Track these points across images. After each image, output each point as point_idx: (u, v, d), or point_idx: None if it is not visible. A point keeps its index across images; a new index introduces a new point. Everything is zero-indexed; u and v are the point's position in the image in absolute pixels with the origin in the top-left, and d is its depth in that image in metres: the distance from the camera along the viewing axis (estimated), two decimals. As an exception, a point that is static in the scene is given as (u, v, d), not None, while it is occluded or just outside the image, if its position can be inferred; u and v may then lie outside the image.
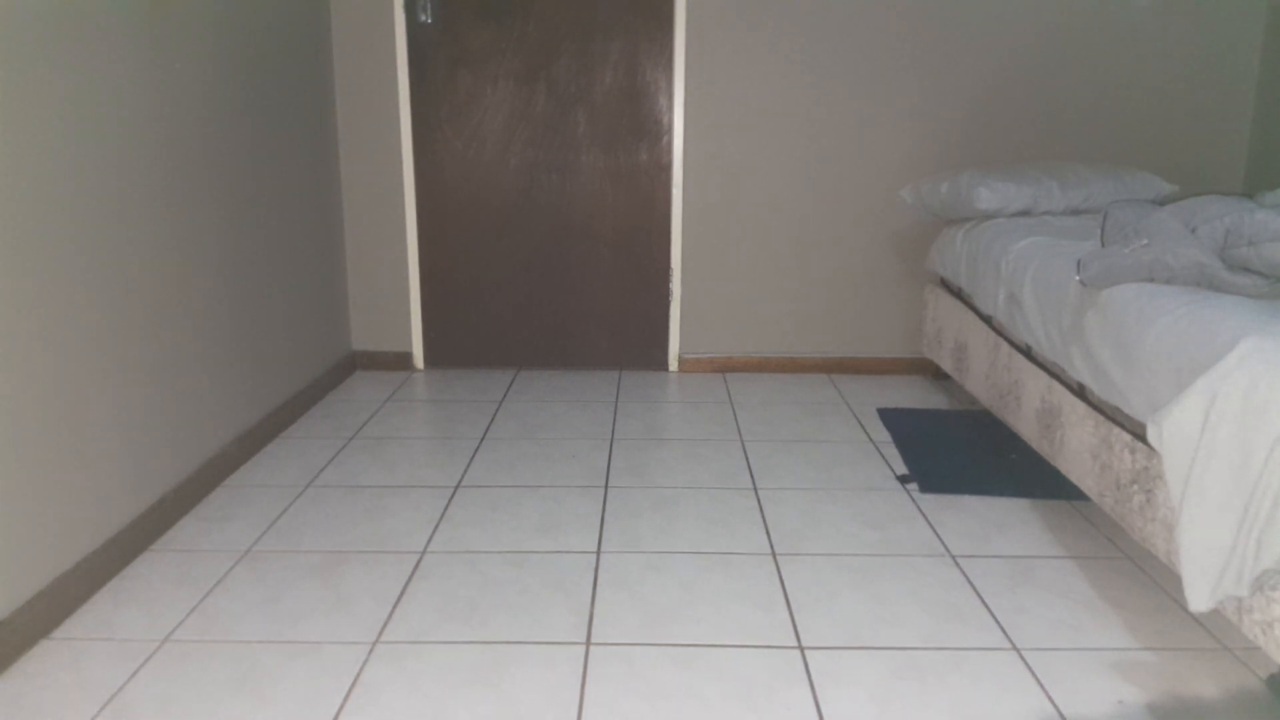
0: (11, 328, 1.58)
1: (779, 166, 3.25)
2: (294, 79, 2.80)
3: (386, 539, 2.03)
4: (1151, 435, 1.50)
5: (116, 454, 1.90)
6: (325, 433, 2.70)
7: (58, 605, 1.68)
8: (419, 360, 3.42)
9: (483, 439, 2.67)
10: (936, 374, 3.37)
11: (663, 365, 3.43)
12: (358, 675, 1.53)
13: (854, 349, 3.41)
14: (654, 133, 3.22)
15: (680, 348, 3.41)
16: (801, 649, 1.62)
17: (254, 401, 2.54)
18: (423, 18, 3.13)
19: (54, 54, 1.70)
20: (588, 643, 1.63)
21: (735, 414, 2.92)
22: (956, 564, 1.93)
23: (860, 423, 2.84)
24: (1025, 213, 2.70)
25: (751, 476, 2.40)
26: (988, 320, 2.60)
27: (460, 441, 2.64)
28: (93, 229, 1.81)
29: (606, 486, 2.33)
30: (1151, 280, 1.78)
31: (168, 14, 2.08)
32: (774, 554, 1.97)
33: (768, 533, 2.07)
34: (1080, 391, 1.99)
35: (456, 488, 2.31)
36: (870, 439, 2.69)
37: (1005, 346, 2.41)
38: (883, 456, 2.55)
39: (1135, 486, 1.71)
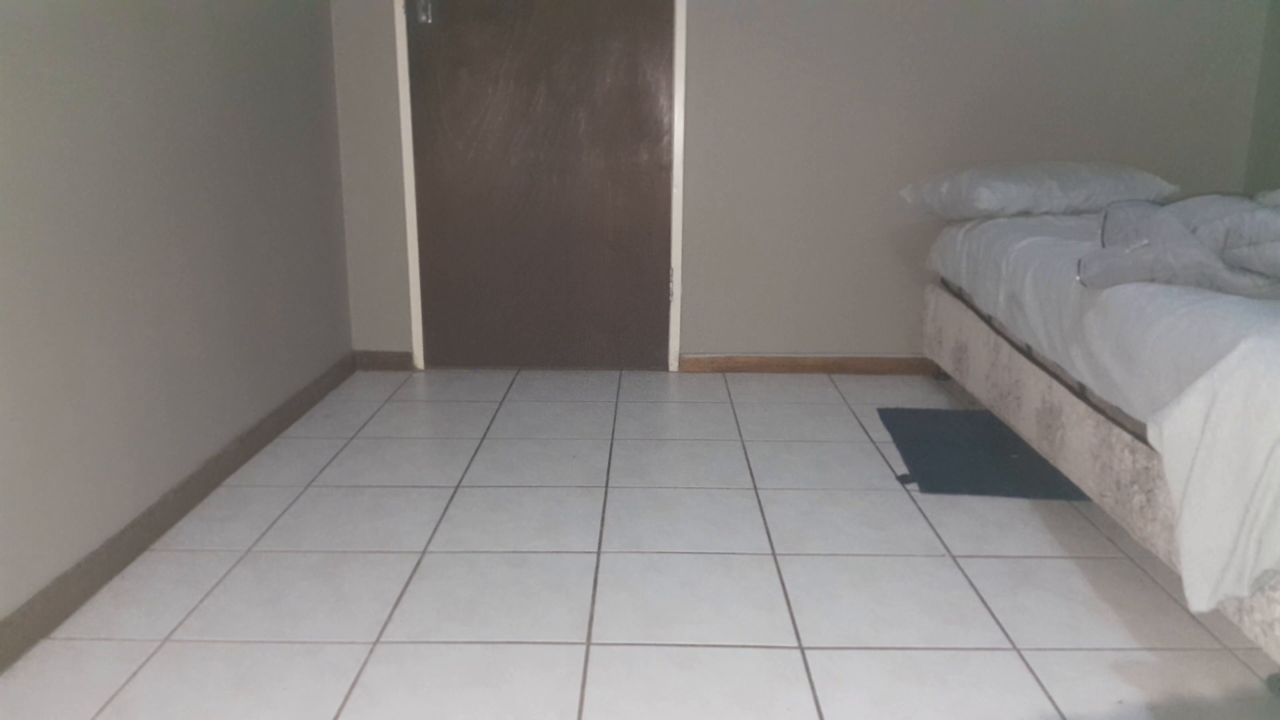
0: (12, 328, 1.58)
1: (779, 166, 3.25)
2: (294, 79, 2.80)
3: (387, 539, 2.03)
4: (1152, 435, 1.50)
5: (117, 454, 1.90)
6: (326, 433, 2.70)
7: (58, 605, 1.68)
8: (419, 360, 3.42)
9: (483, 439, 2.66)
10: (937, 374, 3.37)
11: (663, 365, 3.43)
12: (358, 675, 1.53)
13: (854, 349, 3.41)
14: (654, 133, 3.22)
15: (680, 348, 3.41)
16: (802, 649, 1.61)
17: (255, 401, 2.54)
18: (423, 18, 3.13)
19: (54, 54, 1.70)
20: (588, 643, 1.63)
21: (735, 414, 2.91)
22: (957, 564, 1.93)
23: (860, 423, 2.83)
24: (1026, 213, 2.70)
25: (752, 476, 2.40)
26: (988, 320, 2.60)
27: (460, 441, 2.64)
28: (92, 229, 1.81)
29: (607, 486, 2.33)
30: (1152, 280, 1.78)
31: (168, 14, 2.08)
32: (774, 554, 1.97)
33: (768, 533, 2.07)
34: (1080, 392, 1.99)
35: (457, 488, 2.31)
36: (870, 439, 2.69)
37: (1006, 346, 2.41)
38: (883, 456, 2.55)
39: (1135, 487, 1.71)
